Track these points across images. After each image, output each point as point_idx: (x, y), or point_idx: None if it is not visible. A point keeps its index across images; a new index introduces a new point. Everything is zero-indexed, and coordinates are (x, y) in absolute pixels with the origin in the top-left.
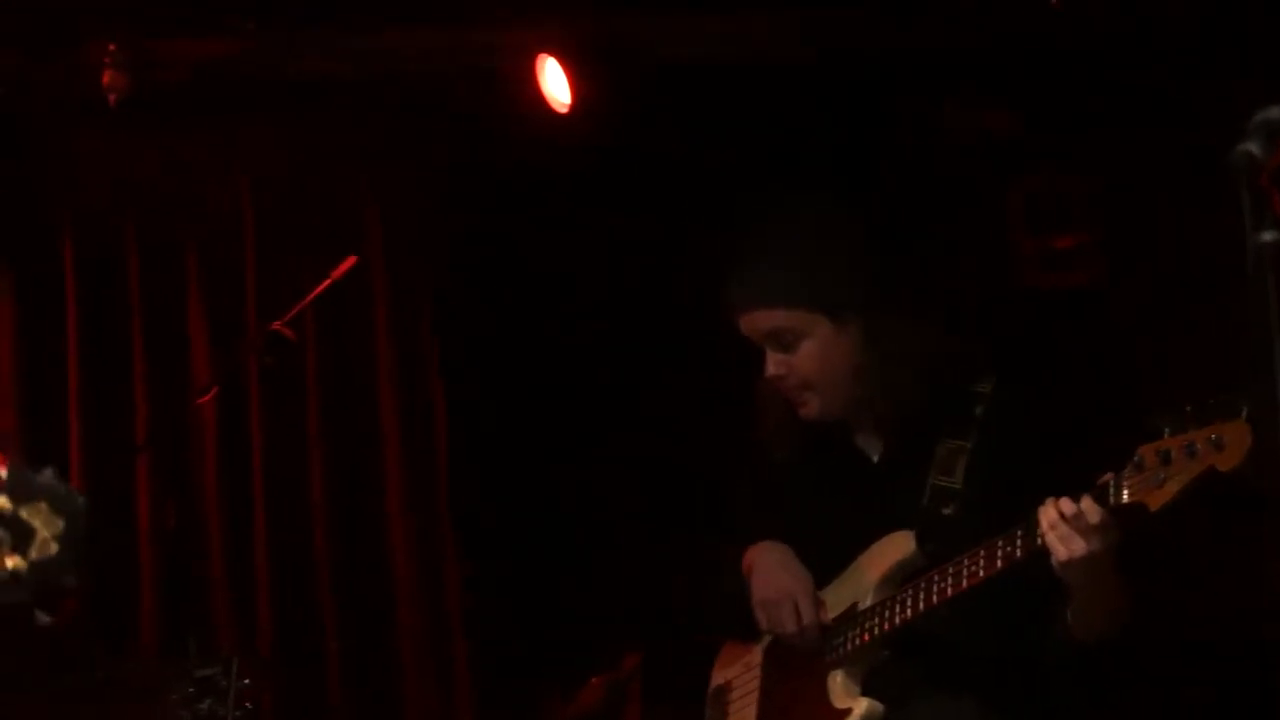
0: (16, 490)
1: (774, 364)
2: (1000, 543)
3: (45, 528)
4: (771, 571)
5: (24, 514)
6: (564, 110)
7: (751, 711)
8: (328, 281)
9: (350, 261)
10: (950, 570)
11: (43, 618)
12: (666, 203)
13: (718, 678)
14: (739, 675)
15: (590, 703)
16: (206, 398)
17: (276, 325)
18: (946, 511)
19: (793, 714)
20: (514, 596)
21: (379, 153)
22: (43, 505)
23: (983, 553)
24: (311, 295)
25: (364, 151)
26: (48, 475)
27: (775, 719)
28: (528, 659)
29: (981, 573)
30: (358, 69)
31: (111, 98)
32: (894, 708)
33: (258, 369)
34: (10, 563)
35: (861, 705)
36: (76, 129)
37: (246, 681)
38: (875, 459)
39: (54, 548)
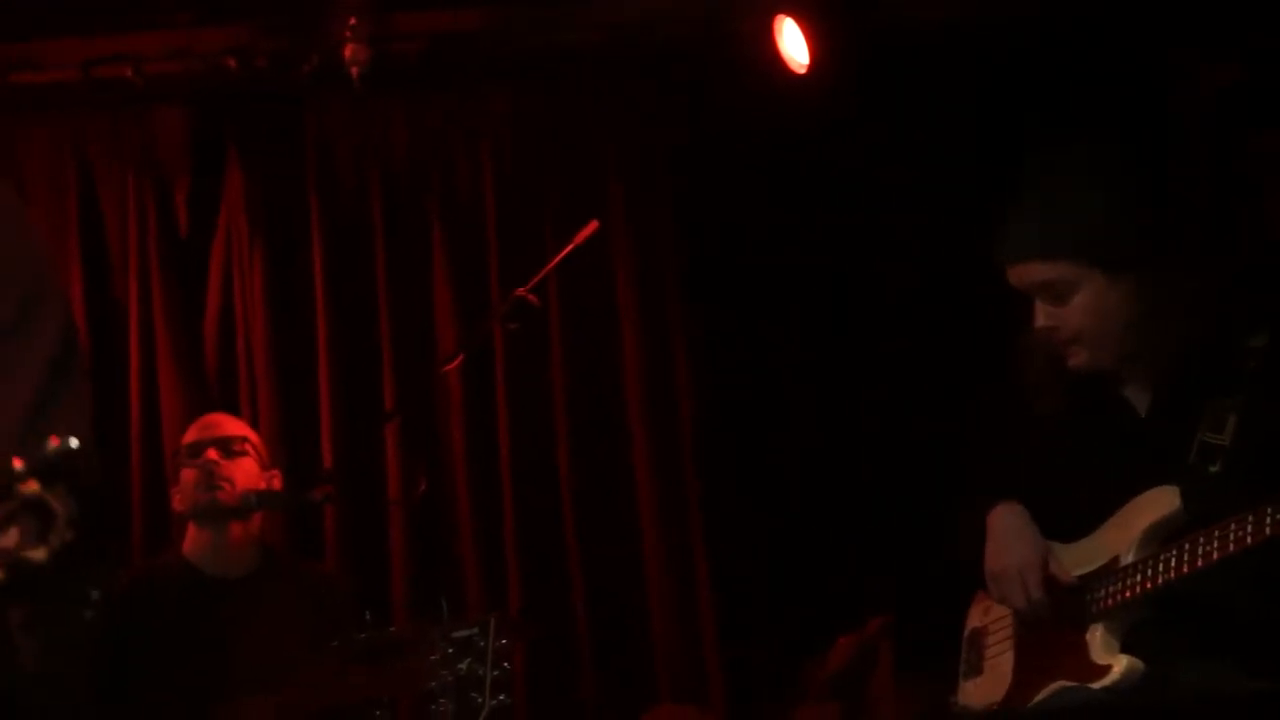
0: (41, 472)
1: (1045, 315)
2: (1271, 509)
3: (64, 511)
4: (1004, 539)
5: (49, 499)
6: (802, 70)
7: (1008, 658)
8: (570, 247)
9: (592, 226)
10: (1217, 533)
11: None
12: (908, 162)
13: (974, 621)
14: (995, 620)
15: (839, 663)
16: (453, 365)
17: (521, 291)
18: (1213, 469)
19: (1050, 663)
20: (762, 557)
21: (619, 118)
22: (60, 488)
23: (1252, 518)
24: (554, 261)
25: (604, 117)
26: (62, 451)
27: (1032, 666)
28: (777, 621)
29: (1250, 539)
30: (596, 36)
31: (354, 71)
32: (1155, 667)
33: (502, 335)
34: (37, 554)
35: (1122, 663)
36: (321, 103)
37: (504, 641)
38: (1142, 412)
39: (69, 534)
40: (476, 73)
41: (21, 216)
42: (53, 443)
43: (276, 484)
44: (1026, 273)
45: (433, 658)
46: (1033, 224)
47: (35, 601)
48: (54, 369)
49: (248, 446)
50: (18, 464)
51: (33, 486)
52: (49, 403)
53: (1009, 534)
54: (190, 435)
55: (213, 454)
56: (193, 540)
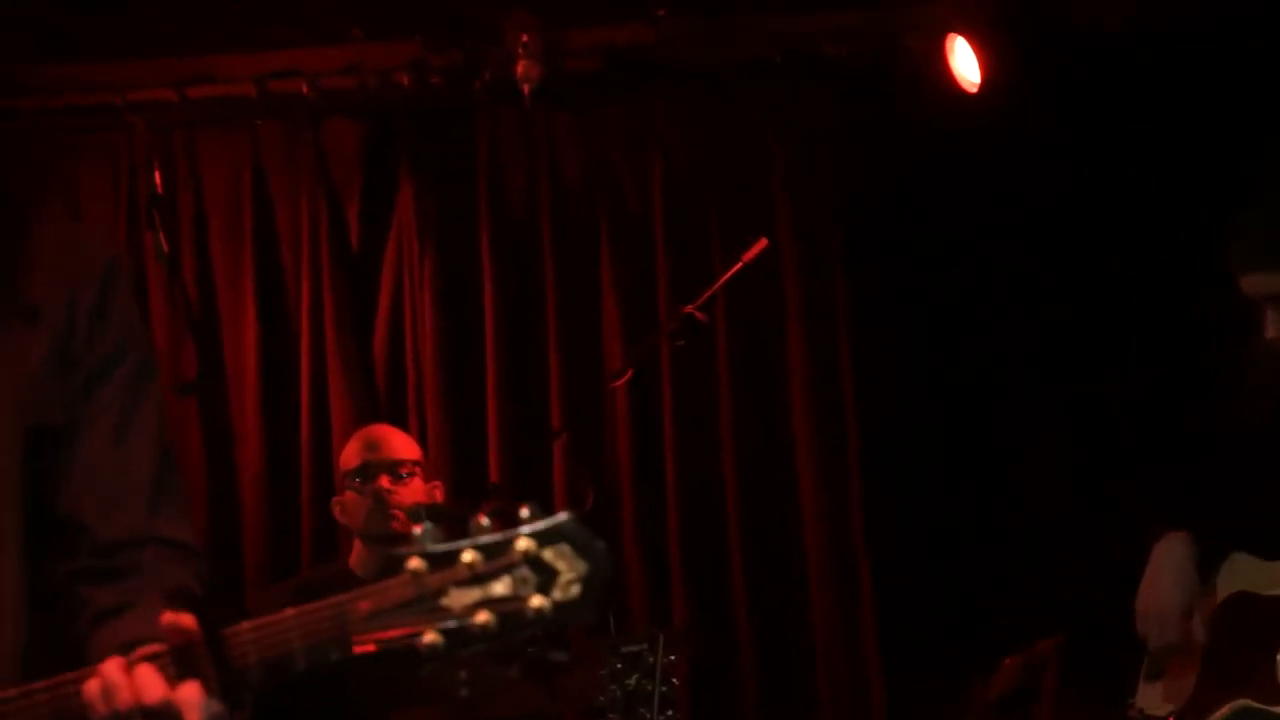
0: (541, 533)
1: (1277, 327)
2: None
3: (568, 570)
4: (1157, 575)
5: (547, 556)
6: (974, 89)
7: (1192, 668)
8: (739, 264)
9: (761, 244)
10: None
11: (558, 655)
12: (1091, 174)
13: None
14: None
15: (1004, 686)
16: (621, 381)
17: (689, 308)
18: None
19: (1235, 680)
20: (928, 574)
21: (788, 132)
22: (565, 548)
23: None
24: (723, 278)
25: (774, 133)
26: (569, 519)
27: (1216, 681)
28: (942, 641)
29: None
30: (767, 51)
31: (525, 87)
32: None
33: (670, 351)
34: (535, 602)
35: None
36: (492, 117)
37: (671, 657)
38: None
39: (576, 590)
40: (647, 87)
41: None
42: (561, 514)
43: (439, 495)
44: (1265, 283)
45: (601, 672)
46: (1270, 232)
47: (516, 647)
48: (165, 453)
49: (415, 468)
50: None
51: (529, 544)
52: (166, 485)
53: (1163, 570)
54: (358, 455)
55: (384, 481)
56: (359, 555)
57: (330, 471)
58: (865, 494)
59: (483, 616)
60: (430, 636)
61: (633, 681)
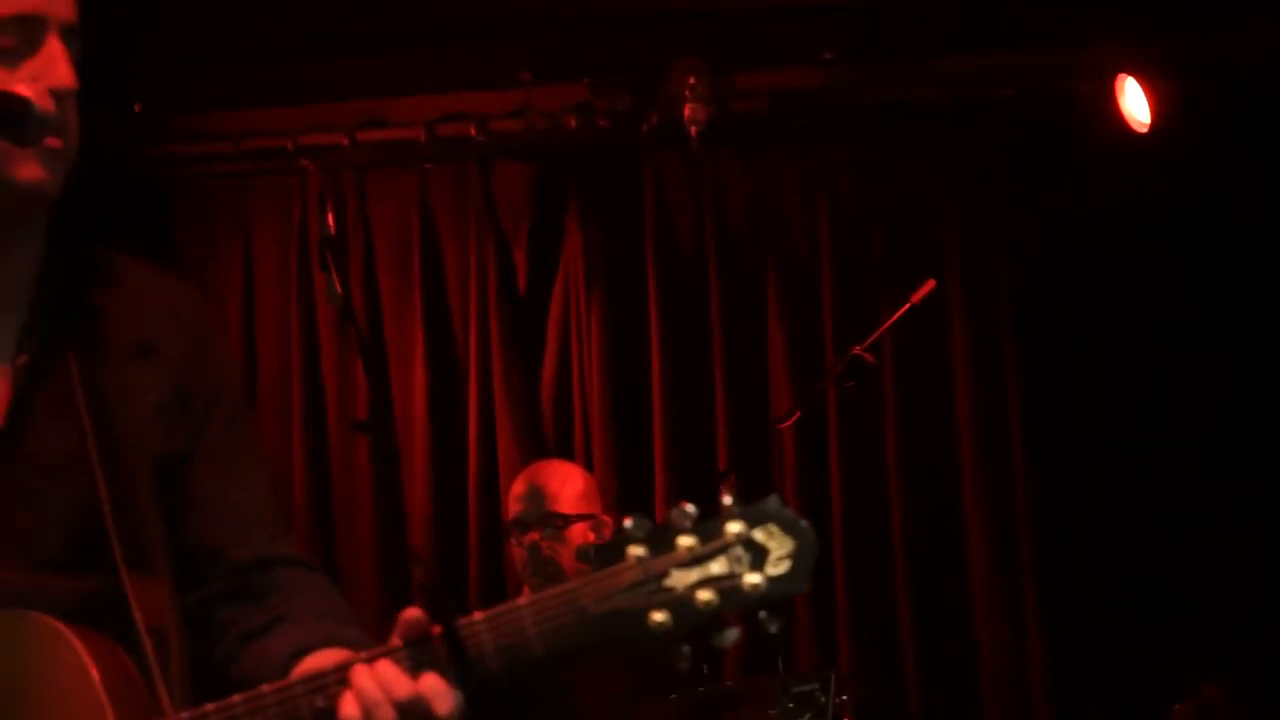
0: (750, 515)
1: None
2: None
3: (778, 548)
4: None
5: (758, 536)
6: (1144, 130)
7: None
8: (907, 305)
9: (929, 285)
10: None
11: (771, 624)
12: (1254, 219)
13: None
14: None
15: None
16: (788, 423)
17: (857, 350)
18: None
19: None
20: (1098, 619)
21: (957, 174)
22: (773, 527)
23: None
24: (891, 319)
25: (942, 175)
26: (774, 501)
27: None
28: (1111, 687)
29: None
30: (936, 94)
31: (692, 130)
32: None
33: (837, 394)
34: (750, 579)
35: None
36: (659, 160)
37: (844, 698)
38: None
39: (786, 565)
40: (815, 129)
41: None
42: (770, 500)
43: (607, 534)
44: None
45: (771, 712)
46: None
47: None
48: (270, 478)
49: (571, 520)
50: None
51: (740, 526)
52: (278, 508)
53: None
54: (516, 504)
55: (537, 536)
56: (528, 597)
57: (498, 511)
58: (1035, 537)
59: (705, 594)
60: (659, 615)
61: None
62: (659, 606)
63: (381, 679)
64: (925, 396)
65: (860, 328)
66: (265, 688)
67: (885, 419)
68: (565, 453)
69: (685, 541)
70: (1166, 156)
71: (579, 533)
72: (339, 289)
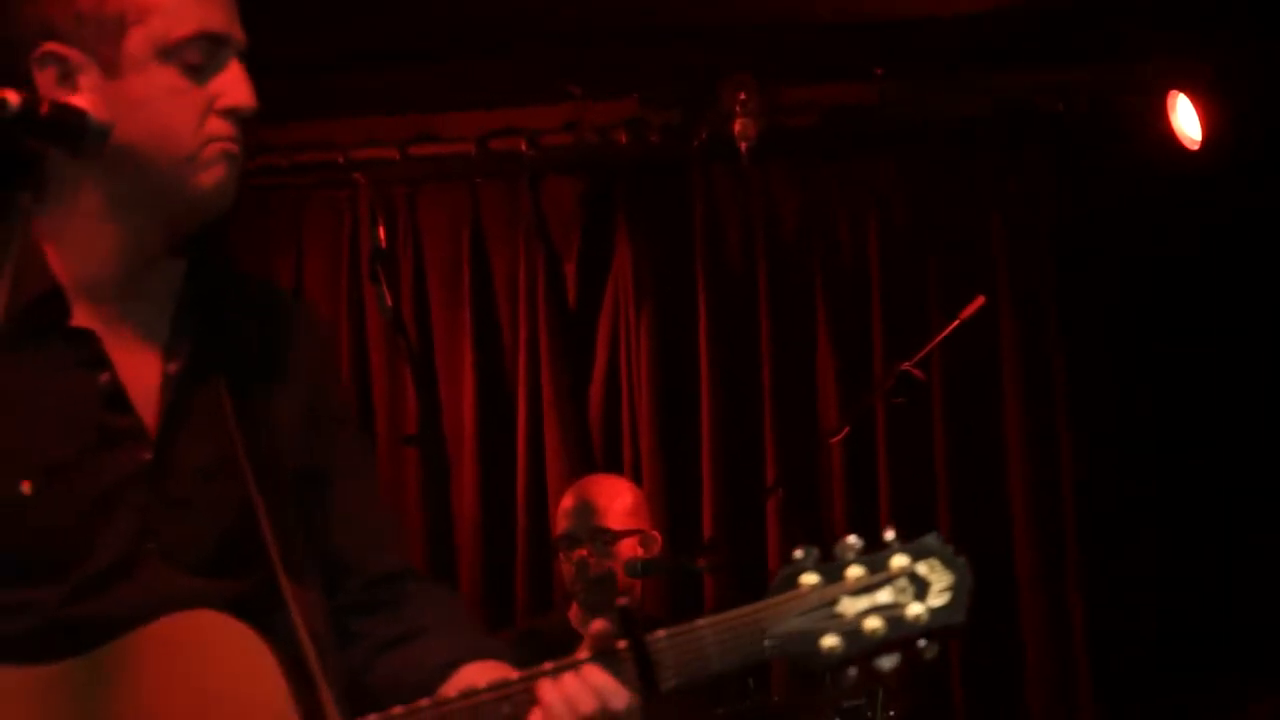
0: (913, 549)
1: None
2: None
3: (938, 580)
4: None
5: (920, 569)
6: (1195, 146)
7: None
8: (956, 322)
9: (979, 301)
10: None
11: (929, 652)
12: None
13: None
14: None
15: None
16: (838, 438)
17: (906, 366)
18: None
19: None
20: (1145, 635)
21: (1005, 189)
22: (935, 561)
23: None
24: (940, 335)
25: (992, 189)
26: (935, 537)
27: None
28: (1160, 707)
29: None
30: (985, 109)
31: (742, 145)
32: None
33: (885, 407)
34: (914, 609)
35: None
36: (708, 174)
37: (891, 713)
38: None
39: (946, 597)
40: (864, 144)
41: None
42: (931, 536)
43: (656, 549)
44: None
45: None
46: None
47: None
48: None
49: (620, 536)
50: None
51: (904, 559)
52: (400, 524)
53: None
54: (565, 519)
55: (585, 552)
56: (576, 612)
57: (546, 524)
58: (1081, 550)
59: (872, 622)
60: (830, 640)
61: None
62: (831, 631)
63: (567, 692)
64: (974, 411)
65: (910, 342)
66: (450, 693)
67: (934, 433)
68: (614, 467)
69: (854, 572)
70: (1216, 171)
71: (628, 548)
72: (389, 302)
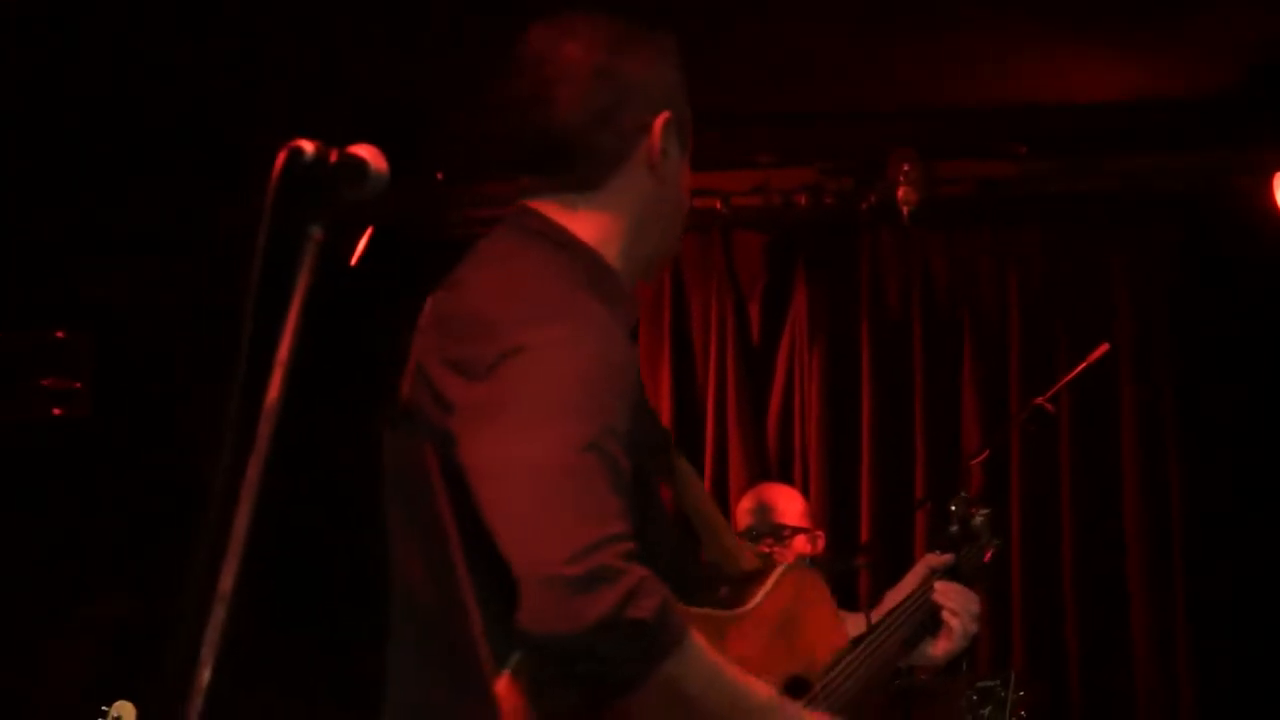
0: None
1: None
2: None
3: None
4: None
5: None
6: None
7: None
8: (1084, 365)
9: (1103, 348)
10: None
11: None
12: None
13: None
14: None
15: None
16: (978, 460)
17: (1039, 400)
18: None
19: None
20: (1247, 657)
21: (1130, 256)
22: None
23: None
24: (1069, 376)
25: (1117, 254)
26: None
27: None
28: (1252, 701)
29: None
30: (1113, 186)
31: (904, 209)
32: None
33: (1020, 436)
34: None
35: None
36: (874, 234)
37: (1021, 693)
38: None
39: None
40: (1008, 213)
41: None
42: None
43: (820, 545)
44: None
45: (959, 703)
46: None
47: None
48: None
49: (797, 531)
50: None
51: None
52: None
53: None
54: (746, 516)
55: (767, 546)
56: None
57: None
58: (1186, 571)
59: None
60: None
61: (986, 713)
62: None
63: (956, 589)
64: (1094, 441)
65: (1042, 382)
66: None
67: (1060, 458)
68: (785, 478)
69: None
70: None
71: (800, 544)
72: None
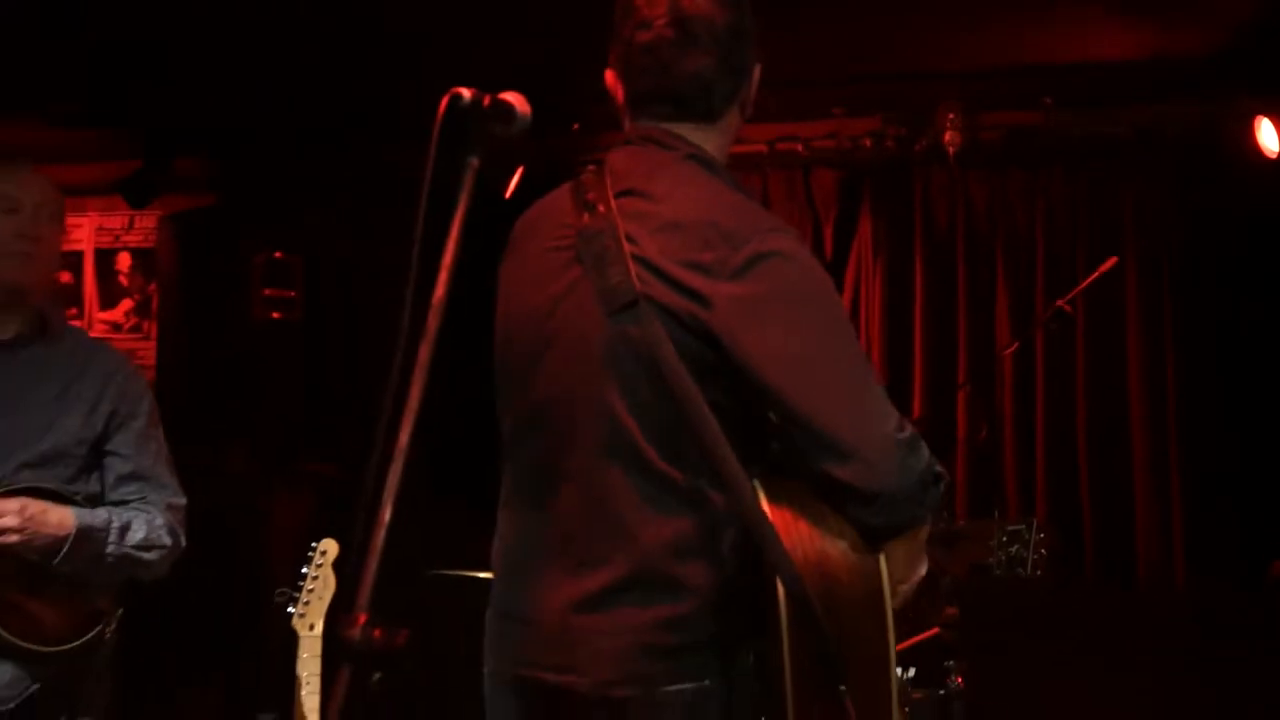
0: None
1: None
2: None
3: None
4: None
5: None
6: (1274, 156)
7: None
8: (1095, 274)
9: (1111, 261)
10: None
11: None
12: None
13: None
14: None
15: None
16: (1009, 350)
17: (1060, 302)
18: None
19: None
20: (1235, 485)
21: (1137, 189)
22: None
23: None
24: (1084, 283)
25: (1126, 187)
26: None
27: None
28: (1237, 540)
29: None
30: (1124, 132)
31: (950, 151)
32: None
33: (1044, 332)
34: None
35: None
36: (926, 172)
37: (1042, 535)
38: None
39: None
40: (1037, 154)
41: None
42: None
43: None
44: None
45: (990, 542)
46: None
47: None
48: None
49: None
50: None
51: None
52: None
53: None
54: None
55: None
56: None
57: None
58: (1180, 447)
59: None
60: None
61: (1014, 551)
62: None
63: None
64: (1105, 336)
65: (1062, 288)
66: None
67: (1076, 350)
68: None
69: None
70: None
71: None
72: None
